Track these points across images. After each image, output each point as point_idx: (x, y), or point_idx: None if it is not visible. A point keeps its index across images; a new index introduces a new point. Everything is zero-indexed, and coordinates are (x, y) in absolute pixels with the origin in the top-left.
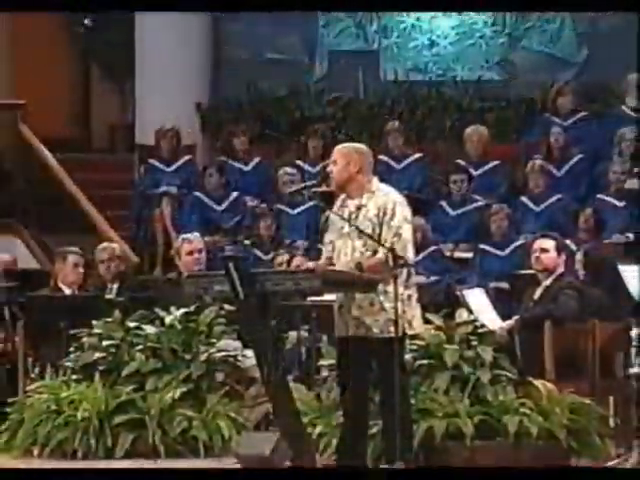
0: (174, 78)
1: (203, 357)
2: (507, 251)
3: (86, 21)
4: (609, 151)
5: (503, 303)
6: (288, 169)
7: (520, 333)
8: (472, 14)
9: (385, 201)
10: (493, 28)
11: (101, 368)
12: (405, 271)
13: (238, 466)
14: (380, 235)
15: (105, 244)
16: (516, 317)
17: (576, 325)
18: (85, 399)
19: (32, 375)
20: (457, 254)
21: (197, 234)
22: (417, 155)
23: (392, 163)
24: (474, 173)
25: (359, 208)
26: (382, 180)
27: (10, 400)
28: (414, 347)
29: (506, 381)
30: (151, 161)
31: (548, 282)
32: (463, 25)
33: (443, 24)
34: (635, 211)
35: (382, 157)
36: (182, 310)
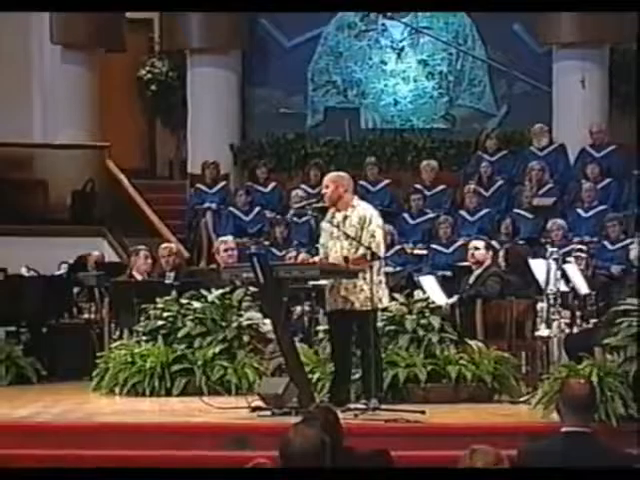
0: (215, 127)
1: (235, 324)
2: (450, 249)
3: (153, 87)
4: (522, 178)
5: (447, 286)
6: (295, 190)
7: (459, 307)
8: (425, 82)
9: (364, 213)
10: (439, 91)
11: (162, 332)
12: (378, 263)
13: (260, 403)
14: (360, 237)
15: (166, 244)
16: (457, 296)
17: (499, 302)
18: (151, 354)
19: (114, 337)
20: (415, 251)
21: (231, 237)
22: (387, 181)
23: (369, 187)
24: (427, 194)
25: (345, 218)
26: (362, 198)
27: (99, 354)
28: (384, 317)
29: (449, 341)
30: (198, 185)
31: (479, 271)
32: (418, 89)
33: (404, 89)
34: (541, 221)
35: (362, 182)
36: (220, 291)
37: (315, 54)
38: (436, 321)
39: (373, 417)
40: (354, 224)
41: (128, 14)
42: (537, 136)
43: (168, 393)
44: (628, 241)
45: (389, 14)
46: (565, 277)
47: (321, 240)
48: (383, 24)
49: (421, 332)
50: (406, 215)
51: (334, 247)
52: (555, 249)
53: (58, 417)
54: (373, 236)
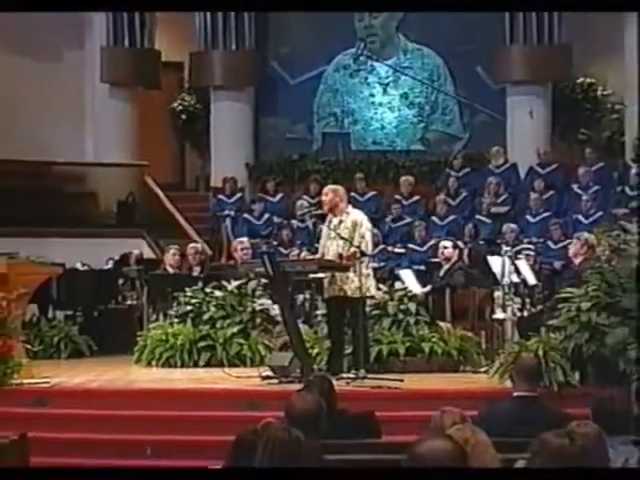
0: (233, 149)
1: (249, 309)
2: (424, 248)
3: (183, 116)
4: (482, 191)
5: (422, 278)
6: (299, 201)
7: (432, 295)
8: (406, 110)
9: (356, 218)
10: (417, 118)
11: (191, 315)
12: (366, 259)
13: (269, 373)
14: (352, 238)
15: (193, 244)
16: (430, 286)
17: (463, 291)
18: (182, 333)
19: (151, 319)
20: (396, 250)
21: (246, 238)
22: (372, 193)
23: (358, 197)
24: (405, 203)
25: (340, 222)
26: (353, 206)
27: (139, 333)
28: (371, 303)
29: (424, 323)
30: (219, 196)
31: (447, 266)
32: (401, 117)
33: (389, 116)
34: (497, 225)
35: (352, 194)
36: (237, 282)
37: (318, 91)
38: (413, 306)
39: (361, 384)
40: (348, 227)
41: (163, 57)
42: (494, 157)
43: (195, 365)
44: (567, 241)
45: (374, 57)
46: (517, 271)
47: (321, 241)
48: (372, 65)
49: (401, 315)
50: (388, 220)
51: (331, 246)
52: (509, 248)
53: (106, 384)
54: (363, 237)
